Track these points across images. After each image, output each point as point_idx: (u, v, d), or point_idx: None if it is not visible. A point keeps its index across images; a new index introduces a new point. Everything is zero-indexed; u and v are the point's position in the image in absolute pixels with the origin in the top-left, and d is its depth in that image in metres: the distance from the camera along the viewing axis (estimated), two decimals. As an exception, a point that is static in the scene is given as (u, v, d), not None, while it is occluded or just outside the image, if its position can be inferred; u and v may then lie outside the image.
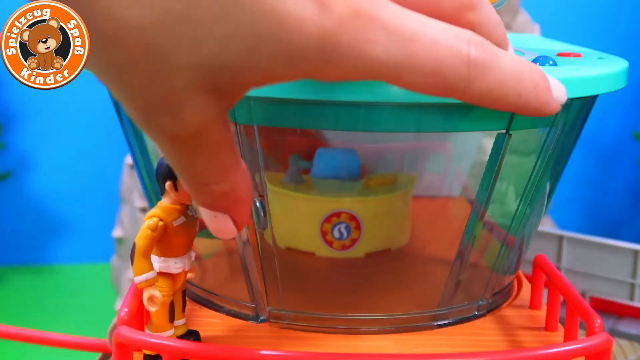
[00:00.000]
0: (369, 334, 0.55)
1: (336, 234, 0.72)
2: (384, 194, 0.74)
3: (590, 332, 0.47)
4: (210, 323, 0.56)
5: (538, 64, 0.54)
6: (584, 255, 0.89)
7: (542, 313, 0.60)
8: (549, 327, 0.57)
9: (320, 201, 0.72)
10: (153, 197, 0.66)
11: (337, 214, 0.72)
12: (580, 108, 0.55)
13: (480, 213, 0.53)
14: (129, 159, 1.11)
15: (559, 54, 0.62)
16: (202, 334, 0.53)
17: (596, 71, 0.52)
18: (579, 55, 0.61)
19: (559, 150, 0.57)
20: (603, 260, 0.87)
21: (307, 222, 0.72)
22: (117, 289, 1.17)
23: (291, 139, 0.87)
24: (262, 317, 0.56)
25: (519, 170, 0.57)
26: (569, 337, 0.52)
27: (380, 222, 0.73)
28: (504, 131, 0.51)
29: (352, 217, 0.72)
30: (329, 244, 0.72)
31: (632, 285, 0.86)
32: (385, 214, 0.73)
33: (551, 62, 0.54)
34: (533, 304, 0.61)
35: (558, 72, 0.50)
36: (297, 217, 0.73)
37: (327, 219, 0.72)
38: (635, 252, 0.85)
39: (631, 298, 0.86)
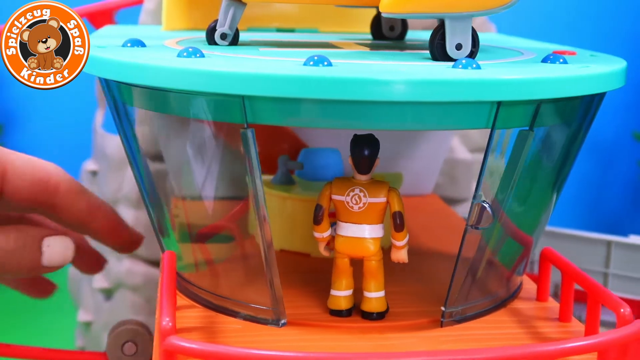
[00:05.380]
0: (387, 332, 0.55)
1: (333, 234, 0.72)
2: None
3: (620, 321, 0.48)
4: (233, 329, 0.55)
5: (549, 62, 0.55)
6: (557, 248, 0.91)
7: (550, 305, 0.61)
8: (562, 318, 0.58)
9: (313, 201, 0.71)
10: (153, 198, 0.64)
11: (332, 214, 0.71)
12: (582, 105, 0.57)
13: (499, 213, 0.54)
14: (88, 165, 1.08)
15: (555, 52, 0.63)
16: (227, 341, 0.52)
17: (603, 69, 0.53)
18: (573, 53, 0.62)
19: (565, 149, 0.58)
20: (576, 251, 0.90)
21: (302, 223, 0.72)
22: (76, 300, 1.13)
23: (277, 140, 0.86)
24: (283, 321, 0.56)
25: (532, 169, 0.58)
26: (591, 327, 0.54)
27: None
28: (527, 128, 0.52)
29: (348, 217, 0.72)
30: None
31: (606, 275, 0.89)
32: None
33: (561, 60, 0.55)
34: (540, 296, 0.62)
35: (569, 70, 0.52)
36: (293, 219, 0.72)
37: (322, 219, 0.71)
38: (608, 242, 0.89)
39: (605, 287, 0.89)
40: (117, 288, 1.01)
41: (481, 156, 1.15)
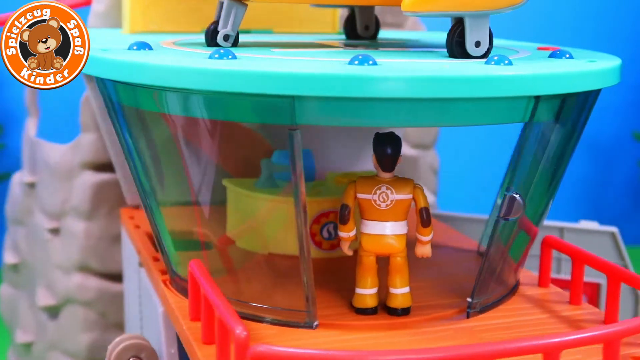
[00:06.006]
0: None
1: (325, 234, 0.72)
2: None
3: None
4: (270, 334, 0.54)
5: (556, 57, 0.58)
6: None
7: (554, 290, 0.64)
8: (573, 301, 0.61)
9: (310, 203, 0.71)
10: (151, 198, 0.62)
11: (326, 214, 0.72)
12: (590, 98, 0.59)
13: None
14: (21, 177, 1.01)
15: (539, 48, 0.67)
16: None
17: (611, 63, 0.56)
18: (556, 49, 0.66)
19: (568, 141, 0.61)
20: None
21: (294, 225, 0.71)
22: (10, 320, 1.06)
23: (244, 142, 0.85)
24: (316, 323, 0.55)
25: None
26: (612, 307, 0.57)
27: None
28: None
29: (340, 216, 0.72)
30: (318, 244, 0.72)
31: (559, 260, 0.94)
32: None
33: (567, 56, 0.58)
34: (542, 283, 0.65)
35: (576, 65, 0.54)
36: (285, 221, 0.72)
37: (316, 220, 0.71)
38: (560, 228, 0.93)
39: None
40: (66, 304, 0.96)
41: (422, 152, 1.18)
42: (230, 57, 0.50)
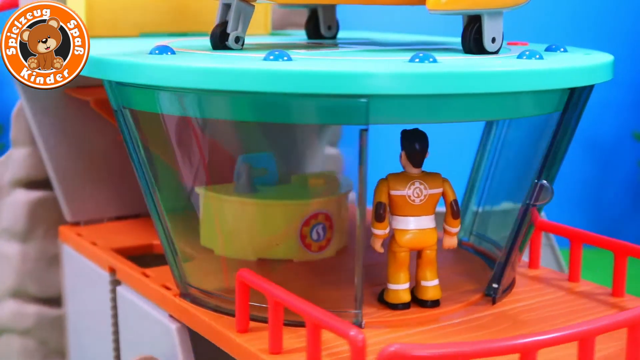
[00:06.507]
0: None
1: (314, 236, 0.72)
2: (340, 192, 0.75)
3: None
4: (327, 339, 0.53)
5: (552, 51, 0.61)
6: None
7: (545, 270, 0.68)
8: (572, 278, 0.65)
9: (300, 205, 0.71)
10: (159, 202, 0.59)
11: (315, 216, 0.72)
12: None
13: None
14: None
15: (509, 43, 0.70)
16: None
17: (607, 56, 0.61)
18: (525, 44, 0.70)
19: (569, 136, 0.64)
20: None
21: (286, 228, 0.71)
22: None
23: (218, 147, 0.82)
24: (363, 322, 0.55)
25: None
26: (619, 280, 0.61)
27: (345, 218, 0.74)
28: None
29: (327, 217, 0.72)
30: (308, 247, 0.71)
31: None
32: (346, 210, 0.75)
33: (562, 50, 0.62)
34: (532, 265, 0.69)
35: (572, 59, 0.58)
36: (276, 225, 0.71)
37: (306, 222, 0.71)
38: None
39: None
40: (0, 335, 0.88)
41: (334, 150, 1.20)
42: (285, 58, 0.49)
